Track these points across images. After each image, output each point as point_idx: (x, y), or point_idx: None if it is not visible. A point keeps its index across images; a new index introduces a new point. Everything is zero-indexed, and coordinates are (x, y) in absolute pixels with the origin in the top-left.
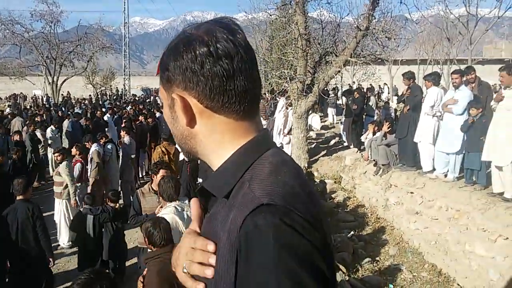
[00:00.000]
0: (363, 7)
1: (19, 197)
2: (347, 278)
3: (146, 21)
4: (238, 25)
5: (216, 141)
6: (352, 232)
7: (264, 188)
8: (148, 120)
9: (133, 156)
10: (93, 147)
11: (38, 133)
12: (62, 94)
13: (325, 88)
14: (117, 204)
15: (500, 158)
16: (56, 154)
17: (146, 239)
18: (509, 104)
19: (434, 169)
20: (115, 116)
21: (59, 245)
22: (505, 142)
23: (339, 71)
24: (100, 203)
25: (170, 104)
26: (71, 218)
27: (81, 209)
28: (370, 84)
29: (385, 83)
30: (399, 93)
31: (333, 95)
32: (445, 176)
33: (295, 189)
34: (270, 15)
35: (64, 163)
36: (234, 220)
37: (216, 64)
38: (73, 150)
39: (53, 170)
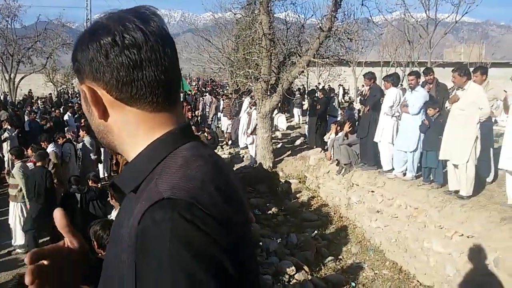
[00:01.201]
0: (326, 8)
1: None
2: (309, 277)
3: None
4: (156, 13)
5: (130, 134)
6: (315, 231)
7: (169, 182)
8: None
9: (94, 157)
10: (50, 148)
11: None
12: (24, 94)
13: (291, 89)
14: (99, 185)
15: (457, 157)
16: (10, 155)
17: (95, 243)
18: (462, 105)
19: (393, 168)
20: (76, 115)
21: (14, 249)
22: (461, 141)
23: (302, 71)
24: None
25: (84, 96)
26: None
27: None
28: (329, 85)
29: (340, 85)
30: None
31: (298, 95)
32: (404, 175)
33: (205, 183)
34: (235, 14)
35: (18, 164)
36: (136, 215)
37: (121, 54)
38: (29, 151)
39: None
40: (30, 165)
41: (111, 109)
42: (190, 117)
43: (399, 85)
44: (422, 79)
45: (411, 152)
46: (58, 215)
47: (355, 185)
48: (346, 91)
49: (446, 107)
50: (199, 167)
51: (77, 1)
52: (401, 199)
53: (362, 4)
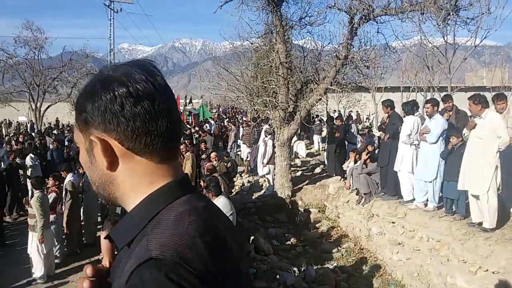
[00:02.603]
0: (342, 36)
1: None
2: None
3: (134, 48)
4: (156, 67)
5: (134, 185)
6: (335, 264)
7: (159, 240)
8: None
9: None
10: (68, 178)
11: (18, 161)
12: (49, 122)
13: (310, 115)
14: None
15: (476, 187)
16: (31, 184)
17: None
18: (480, 133)
19: (414, 199)
20: None
21: (34, 279)
22: (480, 170)
23: (320, 99)
24: (74, 236)
25: (88, 147)
26: (45, 252)
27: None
28: (349, 112)
29: (356, 111)
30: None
31: (318, 122)
32: (425, 205)
33: (195, 240)
34: (252, 44)
35: (36, 194)
36: (126, 272)
37: (137, 104)
38: (50, 181)
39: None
40: (51, 195)
41: (121, 159)
42: (204, 149)
43: (418, 112)
44: (442, 106)
45: (430, 181)
46: (104, 240)
47: (375, 216)
48: (359, 116)
49: (464, 134)
50: (191, 223)
51: (101, 32)
52: (422, 231)
53: (378, 32)
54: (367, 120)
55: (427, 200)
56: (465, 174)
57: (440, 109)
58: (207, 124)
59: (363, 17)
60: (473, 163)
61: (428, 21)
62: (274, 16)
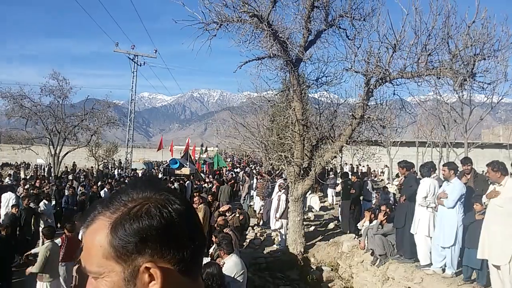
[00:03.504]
0: (358, 96)
1: None
2: None
3: (154, 96)
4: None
5: None
6: None
7: None
8: None
9: None
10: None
11: (32, 205)
12: (65, 165)
13: (325, 170)
14: None
15: (497, 257)
16: (43, 233)
17: None
18: (500, 201)
19: (431, 263)
20: (112, 192)
21: None
22: (501, 240)
23: (335, 157)
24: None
25: (128, 276)
26: None
27: None
28: (362, 168)
29: (367, 166)
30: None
31: (332, 175)
32: (443, 271)
33: None
34: (269, 101)
35: (46, 244)
36: None
37: (183, 227)
38: (65, 231)
39: None
40: (58, 240)
41: (167, 283)
42: (211, 201)
43: (434, 174)
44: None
45: (448, 247)
46: None
47: (390, 279)
48: (370, 170)
49: (484, 202)
50: None
51: (122, 81)
52: None
53: (394, 94)
54: (382, 174)
55: (445, 266)
56: (484, 243)
57: (457, 173)
58: (232, 172)
59: (380, 80)
60: (493, 232)
61: (444, 85)
62: (292, 76)
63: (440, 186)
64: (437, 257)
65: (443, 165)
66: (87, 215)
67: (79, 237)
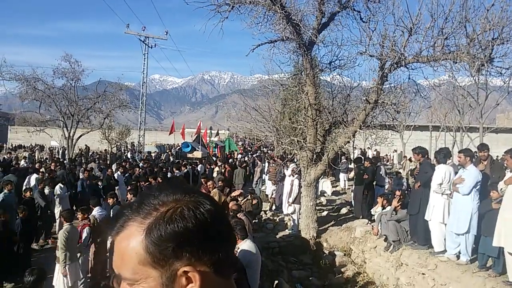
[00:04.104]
0: (372, 81)
1: None
2: None
3: (165, 79)
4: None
5: None
6: None
7: None
8: (158, 180)
9: None
10: (94, 211)
11: (46, 190)
12: (80, 149)
13: (338, 156)
14: None
15: None
16: (61, 217)
17: None
18: None
19: (446, 250)
20: (126, 175)
21: None
22: None
23: (348, 142)
24: (99, 271)
25: (165, 281)
26: (70, 284)
27: None
28: (375, 150)
29: (375, 150)
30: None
31: (344, 160)
32: (458, 258)
33: None
34: (281, 85)
35: (65, 227)
36: None
37: (217, 225)
38: (79, 214)
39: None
40: (85, 230)
41: (207, 285)
42: (222, 186)
43: (450, 161)
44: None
45: (462, 234)
46: None
47: (404, 265)
48: (379, 154)
49: (501, 189)
50: None
51: (133, 63)
52: (455, 285)
53: (409, 78)
54: (405, 159)
55: (460, 253)
56: (500, 230)
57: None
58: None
59: (394, 64)
60: (509, 219)
61: (461, 70)
62: (305, 59)
63: (455, 173)
64: (451, 244)
65: (459, 152)
66: (115, 221)
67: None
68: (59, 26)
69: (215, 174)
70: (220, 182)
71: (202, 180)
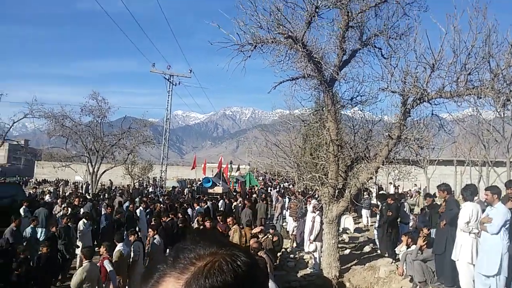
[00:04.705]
0: (395, 116)
1: None
2: None
3: (188, 114)
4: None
5: None
6: None
7: None
8: (179, 216)
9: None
10: (118, 247)
11: (70, 225)
12: (103, 184)
13: (360, 192)
14: None
15: None
16: (82, 253)
17: None
18: None
19: None
20: (147, 210)
21: None
22: None
23: (371, 178)
24: None
25: None
26: None
27: None
28: (394, 185)
29: (394, 185)
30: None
31: (367, 195)
32: None
33: None
34: (303, 121)
35: (85, 264)
36: None
37: (255, 277)
38: (102, 249)
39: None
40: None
41: None
42: (232, 224)
43: (477, 198)
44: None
45: (492, 276)
46: None
47: None
48: (419, 190)
49: None
50: None
51: (156, 99)
52: None
53: (432, 114)
54: (418, 194)
55: None
56: None
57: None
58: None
59: (417, 100)
60: None
61: (486, 106)
62: (326, 96)
63: (483, 211)
64: (481, 286)
65: (486, 189)
66: (149, 276)
67: None
68: (87, 65)
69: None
70: (229, 219)
71: (218, 217)
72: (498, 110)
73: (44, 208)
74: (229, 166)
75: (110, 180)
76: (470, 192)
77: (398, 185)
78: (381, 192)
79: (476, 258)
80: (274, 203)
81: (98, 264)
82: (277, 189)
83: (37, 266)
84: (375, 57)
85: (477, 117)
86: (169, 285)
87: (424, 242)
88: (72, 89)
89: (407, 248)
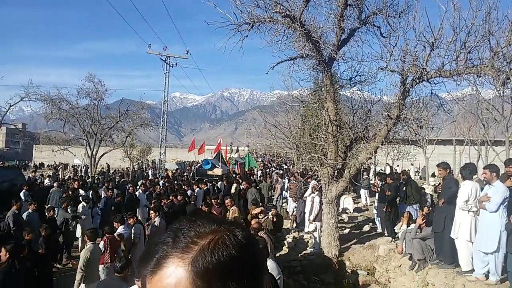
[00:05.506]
0: (394, 96)
1: None
2: None
3: (185, 96)
4: None
5: None
6: None
7: None
8: (178, 198)
9: None
10: (119, 229)
11: (69, 209)
12: (102, 167)
13: (359, 172)
14: None
15: None
16: (85, 236)
17: None
18: None
19: (474, 269)
20: (147, 192)
21: None
22: None
23: (370, 158)
24: None
25: None
26: None
27: None
28: (397, 171)
29: (412, 164)
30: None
31: (366, 176)
32: (487, 277)
33: None
34: (301, 102)
35: (88, 246)
36: None
37: (255, 251)
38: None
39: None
40: (101, 245)
41: None
42: (231, 205)
43: (475, 176)
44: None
45: (491, 253)
46: None
47: (430, 284)
48: (417, 170)
49: None
50: None
51: (154, 81)
52: None
53: (432, 93)
54: (417, 173)
55: (488, 272)
56: None
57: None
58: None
59: (416, 79)
60: None
61: (485, 84)
62: (325, 76)
63: (481, 189)
64: (480, 263)
65: (484, 168)
66: (148, 258)
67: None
68: (83, 47)
69: (233, 191)
70: (227, 200)
71: (213, 200)
72: (498, 89)
73: (59, 189)
74: (228, 148)
75: (107, 163)
76: (469, 170)
77: (391, 166)
78: (379, 171)
79: (474, 236)
80: (274, 184)
81: (100, 246)
82: (276, 171)
83: (40, 248)
84: (374, 36)
85: (476, 96)
86: (173, 266)
87: (423, 221)
88: (68, 72)
89: (407, 227)
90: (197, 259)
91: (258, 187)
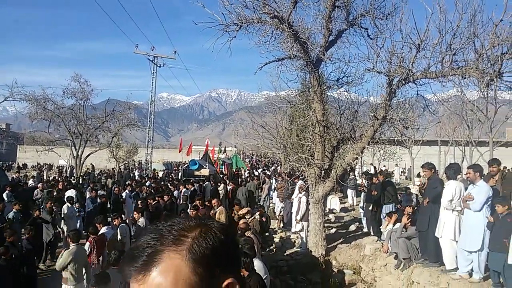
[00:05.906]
0: (380, 97)
1: None
2: None
3: (173, 97)
4: None
5: None
6: None
7: None
8: (164, 198)
9: None
10: (102, 230)
11: (54, 209)
12: (87, 168)
13: (346, 172)
14: None
15: None
16: (68, 237)
17: None
18: None
19: (458, 268)
20: (133, 193)
21: None
22: None
23: (356, 158)
24: None
25: None
26: None
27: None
28: (386, 170)
29: (396, 164)
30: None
31: (352, 176)
32: (470, 275)
33: None
34: (289, 102)
35: (72, 247)
36: None
37: (235, 243)
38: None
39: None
40: (87, 245)
41: None
42: (217, 205)
43: (460, 176)
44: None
45: (475, 251)
46: None
47: (415, 283)
48: (403, 170)
49: None
50: None
51: (141, 82)
52: None
53: (417, 94)
54: (403, 174)
55: (472, 270)
56: None
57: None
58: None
59: (402, 80)
60: None
61: (470, 85)
62: (312, 77)
63: (466, 189)
64: (464, 261)
65: (468, 168)
66: (135, 259)
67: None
68: (69, 47)
69: (220, 191)
70: (214, 200)
71: (198, 202)
72: (482, 90)
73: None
74: (216, 148)
75: (92, 164)
76: (453, 170)
77: (375, 166)
78: (366, 170)
79: (459, 235)
80: (261, 184)
81: (85, 247)
82: (263, 171)
83: (23, 250)
84: (361, 38)
85: (461, 97)
86: (168, 259)
87: (408, 220)
88: (54, 71)
89: (392, 226)
90: (192, 247)
91: (246, 187)
